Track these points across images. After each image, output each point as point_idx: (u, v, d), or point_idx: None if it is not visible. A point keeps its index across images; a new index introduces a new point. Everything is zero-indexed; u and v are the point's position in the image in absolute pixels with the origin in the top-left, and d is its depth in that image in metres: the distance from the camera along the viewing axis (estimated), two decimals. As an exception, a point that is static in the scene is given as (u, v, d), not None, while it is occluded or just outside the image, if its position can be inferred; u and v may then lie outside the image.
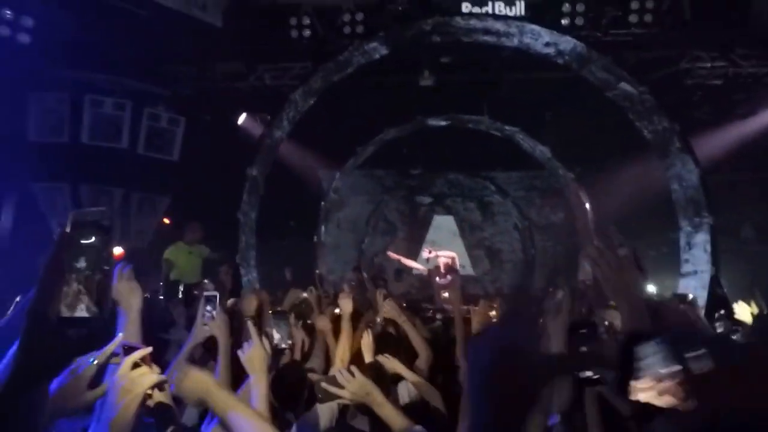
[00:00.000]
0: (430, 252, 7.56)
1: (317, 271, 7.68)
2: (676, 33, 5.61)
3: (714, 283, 4.30)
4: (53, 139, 6.60)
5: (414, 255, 9.94)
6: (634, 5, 5.73)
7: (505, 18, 6.08)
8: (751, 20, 5.02)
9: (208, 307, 1.92)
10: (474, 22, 6.06)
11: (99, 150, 6.80)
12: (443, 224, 9.93)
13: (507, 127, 7.70)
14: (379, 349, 2.17)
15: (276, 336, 2.14)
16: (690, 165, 4.71)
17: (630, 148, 6.15)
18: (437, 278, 6.98)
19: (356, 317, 2.56)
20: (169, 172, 7.35)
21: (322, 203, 8.79)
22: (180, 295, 3.78)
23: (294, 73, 7.02)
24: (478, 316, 2.37)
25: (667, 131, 4.89)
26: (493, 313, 2.52)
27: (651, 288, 5.92)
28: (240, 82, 7.19)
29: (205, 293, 2.02)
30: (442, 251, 7.50)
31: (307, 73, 6.64)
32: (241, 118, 7.32)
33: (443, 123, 8.02)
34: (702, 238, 4.56)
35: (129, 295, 1.53)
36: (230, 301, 3.73)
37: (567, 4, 6.02)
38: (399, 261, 8.38)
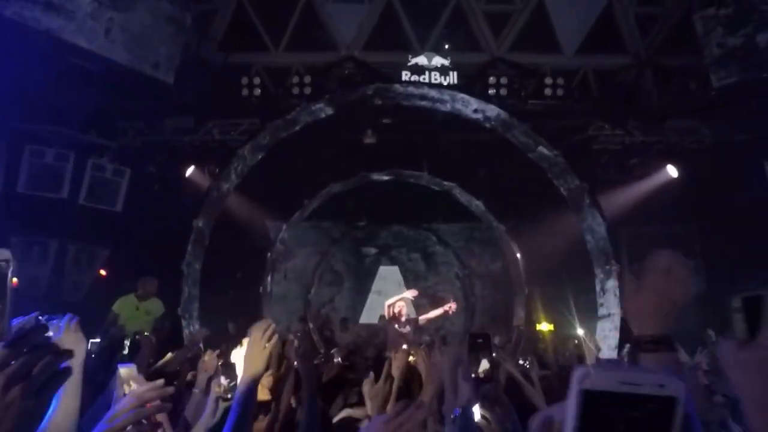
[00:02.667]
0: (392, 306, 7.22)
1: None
2: (584, 105, 6.52)
3: (624, 323, 4.83)
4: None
5: (362, 304, 10.08)
6: (548, 81, 6.65)
7: (439, 86, 6.80)
8: (641, 98, 5.98)
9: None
10: (411, 89, 6.72)
11: (36, 200, 6.65)
12: (389, 274, 10.22)
13: (445, 183, 8.31)
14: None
15: (224, 383, 2.24)
16: (599, 219, 5.36)
17: (553, 203, 6.83)
18: (396, 326, 6.91)
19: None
20: (111, 224, 7.26)
21: (269, 254, 8.87)
22: (125, 351, 3.76)
23: (243, 128, 7.33)
24: (397, 361, 2.52)
25: (578, 189, 5.57)
26: (412, 359, 2.69)
27: (579, 330, 6.42)
28: (188, 136, 7.38)
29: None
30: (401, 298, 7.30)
31: (255, 129, 6.96)
32: (189, 171, 7.45)
33: (386, 178, 8.52)
34: (612, 284, 5.13)
35: (74, 347, 1.65)
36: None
37: (492, 77, 6.86)
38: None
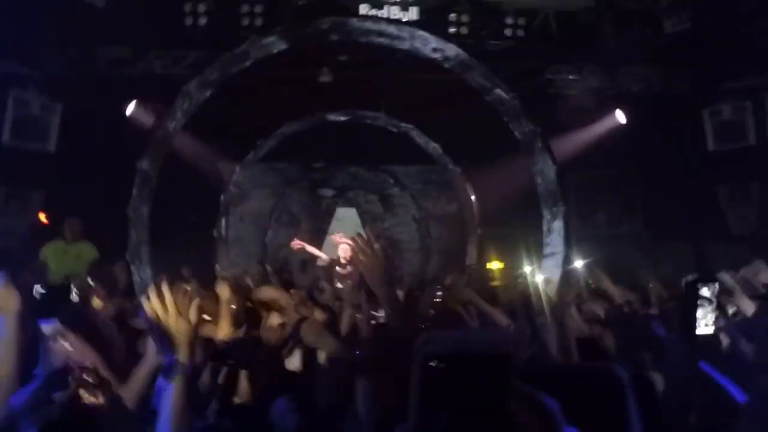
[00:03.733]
0: (340, 236, 7.47)
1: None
2: (542, 47, 6.48)
3: (565, 261, 5.16)
4: None
5: (318, 247, 10.16)
6: (509, 20, 6.51)
7: (397, 22, 6.51)
8: (599, 42, 6.01)
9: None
10: (369, 24, 6.39)
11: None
12: (346, 216, 10.26)
13: (402, 124, 8.21)
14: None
15: None
16: (549, 162, 5.52)
17: (507, 146, 6.94)
18: (337, 268, 7.19)
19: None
20: (44, 165, 6.75)
21: (222, 197, 8.63)
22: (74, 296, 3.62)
23: (188, 62, 6.82)
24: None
25: (531, 133, 5.67)
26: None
27: (526, 268, 6.79)
28: (126, 68, 6.80)
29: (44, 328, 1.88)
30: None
31: (201, 63, 6.50)
32: (130, 108, 6.94)
33: (343, 118, 8.30)
34: (558, 225, 5.40)
35: (5, 302, 1.57)
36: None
37: (453, 14, 6.63)
38: (303, 249, 8.40)
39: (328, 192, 10.18)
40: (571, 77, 6.36)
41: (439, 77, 7.04)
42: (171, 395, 1.34)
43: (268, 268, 9.73)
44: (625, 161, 7.61)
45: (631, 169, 7.84)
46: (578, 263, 5.14)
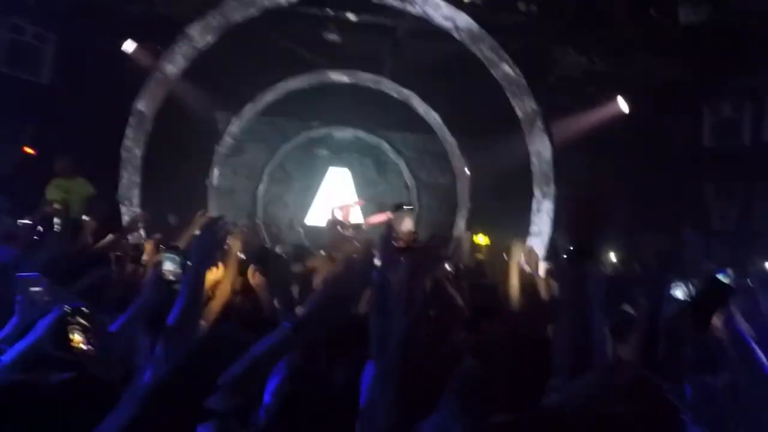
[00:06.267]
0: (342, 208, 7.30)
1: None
2: (554, 26, 6.38)
3: (552, 242, 5.31)
4: None
5: (307, 206, 10.19)
6: (524, -7, 6.36)
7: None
8: (611, 27, 5.93)
9: None
10: (381, -17, 6.22)
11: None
12: (339, 177, 10.25)
13: (404, 90, 8.13)
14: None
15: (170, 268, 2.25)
16: (547, 143, 5.58)
17: (507, 122, 6.95)
18: (340, 228, 7.05)
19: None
20: (36, 96, 6.60)
21: (217, 146, 8.55)
22: (59, 230, 3.64)
23: (190, 4, 6.59)
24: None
25: (533, 112, 5.68)
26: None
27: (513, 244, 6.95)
28: (125, 5, 6.58)
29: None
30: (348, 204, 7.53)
31: (205, 5, 6.30)
32: (128, 45, 6.74)
33: (345, 79, 8.18)
34: (547, 206, 5.52)
35: None
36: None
37: (468, -18, 6.45)
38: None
39: (323, 152, 10.12)
40: (579, 60, 6.30)
41: (447, 48, 6.95)
42: None
43: (258, 221, 9.80)
44: (621, 149, 7.68)
45: (626, 158, 7.92)
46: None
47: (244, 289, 2.60)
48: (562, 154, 6.18)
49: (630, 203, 7.08)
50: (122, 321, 1.97)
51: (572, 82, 6.66)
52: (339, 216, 7.02)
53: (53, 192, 5.48)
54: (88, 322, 1.69)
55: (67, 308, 1.64)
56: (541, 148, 5.62)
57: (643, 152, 7.33)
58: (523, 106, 5.80)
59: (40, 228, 3.52)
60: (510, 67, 5.69)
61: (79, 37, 6.63)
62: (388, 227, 1.70)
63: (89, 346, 1.65)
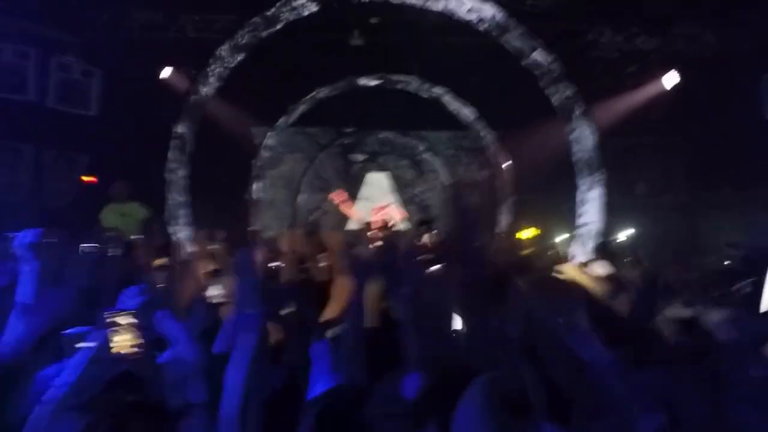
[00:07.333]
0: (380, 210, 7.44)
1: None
2: (584, 8, 6.08)
3: (600, 233, 5.05)
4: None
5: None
6: (550, -23, 6.10)
7: (432, -19, 6.23)
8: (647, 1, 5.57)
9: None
10: (401, -16, 6.16)
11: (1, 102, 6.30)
12: (376, 181, 10.26)
13: (435, 89, 8.01)
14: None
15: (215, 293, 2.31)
16: (587, 130, 5.31)
17: (542, 111, 6.69)
18: (369, 233, 7.18)
19: None
20: (88, 128, 7.00)
21: (255, 161, 8.78)
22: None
23: (219, 26, 6.81)
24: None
25: (570, 99, 5.43)
26: None
27: (557, 239, 6.68)
28: (159, 33, 6.87)
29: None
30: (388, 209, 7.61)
31: (232, 26, 6.48)
32: (165, 72, 7.05)
33: (374, 82, 8.17)
34: (593, 195, 5.25)
35: None
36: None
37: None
38: (344, 200, 8.26)
39: (359, 157, 10.16)
40: (615, 39, 5.96)
41: (474, 41, 6.78)
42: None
43: (301, 230, 9.95)
44: (669, 128, 7.20)
45: (677, 137, 7.42)
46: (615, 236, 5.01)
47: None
48: (604, 139, 5.87)
49: (688, 183, 6.60)
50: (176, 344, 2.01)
51: (610, 63, 6.31)
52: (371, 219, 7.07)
53: (109, 216, 5.70)
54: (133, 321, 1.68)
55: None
56: (581, 136, 5.36)
57: (695, 130, 6.83)
58: (559, 93, 5.56)
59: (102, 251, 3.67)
60: (541, 55, 5.47)
61: (120, 69, 6.99)
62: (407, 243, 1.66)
63: (135, 348, 1.60)
